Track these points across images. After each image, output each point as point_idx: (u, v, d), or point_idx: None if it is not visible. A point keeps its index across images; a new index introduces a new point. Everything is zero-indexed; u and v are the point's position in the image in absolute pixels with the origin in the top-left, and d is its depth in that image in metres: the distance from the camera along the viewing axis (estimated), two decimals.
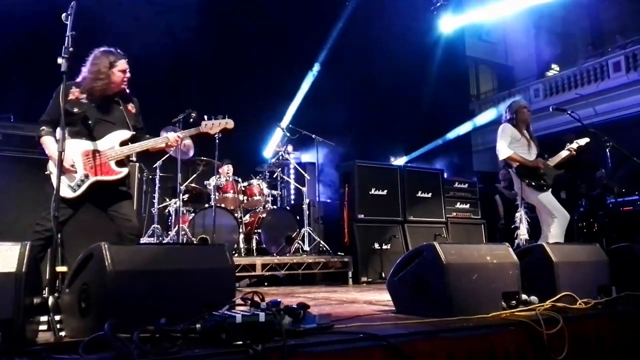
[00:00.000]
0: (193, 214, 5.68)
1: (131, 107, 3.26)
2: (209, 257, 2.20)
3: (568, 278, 2.69)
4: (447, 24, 11.90)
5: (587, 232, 8.72)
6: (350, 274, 5.58)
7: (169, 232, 5.71)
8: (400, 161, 9.72)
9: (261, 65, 8.25)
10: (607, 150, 5.01)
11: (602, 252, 3.07)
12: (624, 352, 2.35)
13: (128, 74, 3.16)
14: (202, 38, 7.67)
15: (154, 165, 6.00)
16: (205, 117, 3.45)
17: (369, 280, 5.64)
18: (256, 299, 1.99)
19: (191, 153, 5.72)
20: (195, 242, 5.25)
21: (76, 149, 3.01)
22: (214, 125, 3.47)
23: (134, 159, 5.50)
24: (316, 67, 9.25)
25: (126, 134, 3.15)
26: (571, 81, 14.74)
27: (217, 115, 3.52)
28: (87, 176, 3.00)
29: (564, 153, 4.71)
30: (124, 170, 3.12)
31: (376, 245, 5.87)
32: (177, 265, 2.04)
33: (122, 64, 3.11)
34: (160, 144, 3.23)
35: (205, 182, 6.11)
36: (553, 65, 18.87)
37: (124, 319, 1.59)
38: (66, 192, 2.92)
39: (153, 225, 5.83)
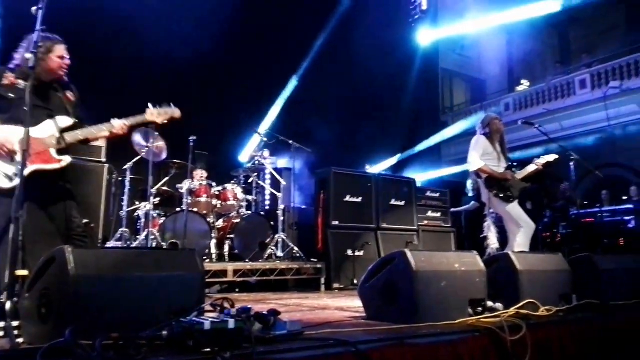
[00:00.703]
0: (164, 218, 5.60)
1: (70, 95, 3.12)
2: (178, 263, 2.17)
3: (532, 286, 2.77)
4: (424, 37, 12.12)
5: (551, 242, 8.96)
6: (323, 281, 5.59)
7: (138, 237, 5.61)
8: (375, 169, 9.82)
9: (241, 70, 8.24)
10: (571, 164, 5.19)
11: (564, 262, 3.16)
12: (583, 358, 2.43)
13: (67, 61, 3.02)
14: (180, 42, 7.62)
15: (124, 167, 5.91)
16: (150, 104, 3.32)
17: (342, 286, 5.66)
18: (226, 305, 1.99)
19: (164, 155, 5.67)
20: (165, 247, 5.18)
21: (12, 136, 2.78)
22: (160, 115, 3.32)
23: (104, 159, 5.46)
24: (296, 76, 9.29)
25: (67, 120, 2.99)
26: (540, 96, 15.16)
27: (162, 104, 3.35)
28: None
29: (531, 167, 4.85)
30: (66, 159, 2.94)
31: (349, 252, 5.90)
32: (144, 271, 2.00)
33: (60, 49, 2.97)
34: (104, 132, 3.07)
35: (177, 186, 6.04)
36: (523, 81, 19.38)
37: (86, 325, 1.55)
38: (2, 183, 2.73)
39: (121, 229, 5.72)
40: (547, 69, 17.65)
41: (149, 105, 3.26)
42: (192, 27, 7.87)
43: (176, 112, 3.36)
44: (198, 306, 1.99)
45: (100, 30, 7.10)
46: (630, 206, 8.95)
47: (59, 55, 2.98)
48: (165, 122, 3.35)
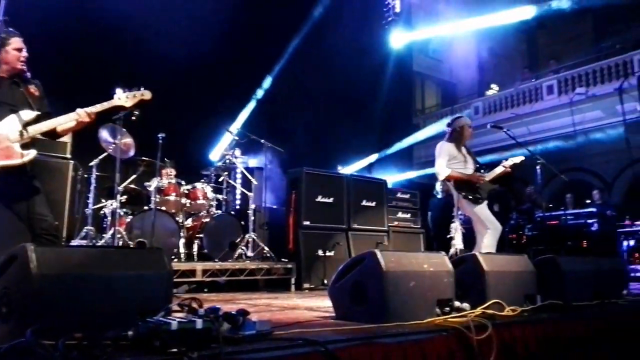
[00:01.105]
0: (131, 217, 5.50)
1: (34, 89, 3.04)
2: (145, 262, 2.12)
3: (498, 286, 2.82)
4: (398, 39, 12.24)
5: (517, 244, 9.19)
6: (293, 281, 5.58)
7: (104, 235, 5.49)
8: (347, 170, 9.85)
9: (213, 67, 8.15)
10: (538, 167, 5.32)
11: (529, 263, 3.23)
12: (546, 356, 2.49)
13: (25, 53, 2.94)
14: (151, 38, 7.49)
15: (90, 164, 5.78)
16: (118, 89, 3.24)
17: (312, 286, 5.66)
18: (194, 305, 1.96)
19: (132, 152, 5.56)
20: (131, 246, 5.08)
21: None
22: (128, 98, 3.22)
23: (69, 155, 5.31)
24: (270, 75, 9.23)
25: (30, 114, 2.91)
26: (508, 101, 15.50)
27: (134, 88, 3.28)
28: None
29: (499, 169, 4.94)
30: (31, 153, 2.87)
31: (320, 252, 5.91)
32: (110, 270, 1.95)
33: (16, 42, 2.90)
34: (70, 122, 2.98)
35: (145, 184, 5.93)
36: (492, 85, 19.77)
37: (49, 325, 1.51)
38: None
39: (86, 227, 5.59)
40: (515, 74, 18.05)
41: (117, 89, 3.19)
42: (165, 23, 7.74)
43: (146, 94, 3.27)
44: (165, 306, 1.95)
45: (71, 29, 6.91)
46: (594, 209, 9.24)
47: (16, 47, 2.90)
48: (135, 105, 3.26)
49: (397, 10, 12.00)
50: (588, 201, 10.36)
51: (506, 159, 5.03)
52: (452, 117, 5.26)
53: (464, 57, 18.85)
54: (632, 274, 7.19)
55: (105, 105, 3.14)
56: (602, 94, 12.99)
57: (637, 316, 3.18)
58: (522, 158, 5.02)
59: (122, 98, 3.18)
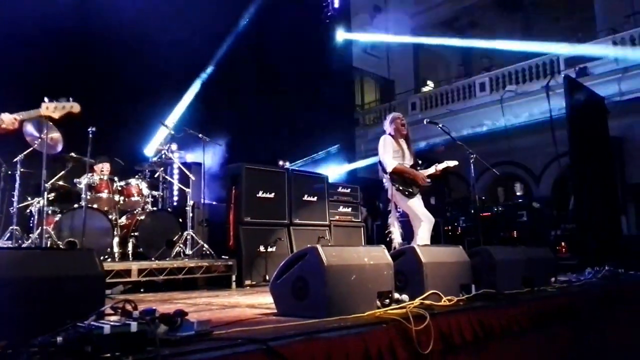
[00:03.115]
0: (60, 215, 5.22)
1: None
2: (75, 263, 2.03)
3: (435, 277, 2.90)
4: (338, 35, 12.31)
5: (452, 235, 9.55)
6: (234, 278, 5.50)
7: (31, 235, 5.16)
8: (288, 165, 9.81)
9: (149, 59, 7.83)
10: (471, 161, 5.53)
11: (464, 254, 3.35)
12: (479, 344, 2.59)
13: None
14: (82, 25, 7.11)
15: (14, 160, 5.41)
16: (46, 98, 3.09)
17: (253, 283, 5.61)
18: (128, 307, 1.87)
19: (59, 148, 5.26)
20: (61, 247, 4.82)
21: None
22: (56, 109, 3.10)
23: None
24: (210, 69, 8.99)
25: None
26: (444, 97, 16.03)
27: (60, 97, 3.15)
28: None
29: (431, 170, 5.13)
30: None
31: (261, 248, 5.86)
32: (37, 272, 1.85)
33: None
34: None
35: (75, 180, 5.63)
36: (429, 82, 20.38)
37: None
38: None
39: (11, 227, 5.22)
40: (450, 71, 18.68)
41: (45, 99, 3.03)
42: (96, 12, 7.37)
43: (75, 107, 3.14)
44: (97, 309, 1.86)
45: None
46: (523, 202, 9.76)
47: None
48: (63, 117, 3.13)
49: (336, 5, 12.05)
50: (518, 193, 10.93)
51: (439, 145, 5.22)
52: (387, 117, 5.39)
53: (401, 54, 19.31)
54: (559, 262, 7.65)
55: (31, 113, 3.00)
56: (531, 91, 13.69)
57: (565, 302, 3.37)
58: (456, 163, 5.22)
59: (50, 108, 3.03)
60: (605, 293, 3.79)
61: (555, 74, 13.12)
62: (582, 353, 3.43)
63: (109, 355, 1.51)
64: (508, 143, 14.06)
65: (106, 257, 5.15)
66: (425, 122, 6.01)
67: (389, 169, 4.85)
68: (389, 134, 5.06)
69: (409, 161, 5.04)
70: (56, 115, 3.08)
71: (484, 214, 9.49)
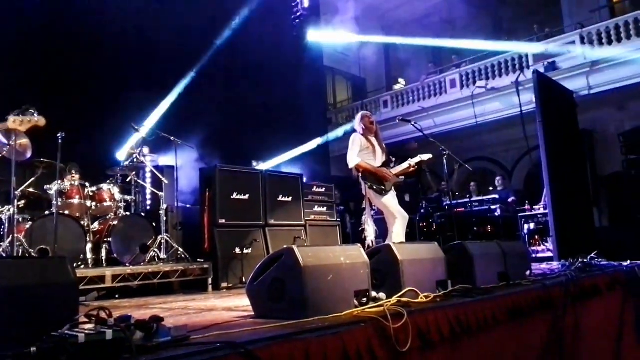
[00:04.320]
0: (30, 223, 5.09)
1: None
2: (48, 271, 1.99)
3: (412, 274, 2.92)
4: (309, 34, 12.30)
5: (427, 231, 9.66)
6: (210, 281, 5.45)
7: (1, 244, 5.02)
8: (262, 166, 9.76)
9: (119, 63, 7.69)
10: (444, 158, 5.62)
11: (439, 250, 3.37)
12: (456, 339, 2.63)
13: None
14: (52, 28, 6.93)
15: None
16: (12, 113, 3.05)
17: (230, 285, 5.57)
18: (103, 315, 1.84)
19: (29, 154, 5.13)
20: (33, 255, 4.71)
21: None
22: (23, 123, 3.08)
23: None
24: (180, 70, 8.86)
25: None
26: (415, 95, 16.18)
27: (24, 107, 3.12)
28: None
29: (405, 165, 5.18)
30: None
31: (237, 250, 5.82)
32: (9, 282, 1.81)
33: None
34: None
35: (45, 187, 5.51)
36: (400, 80, 20.54)
37: None
38: None
39: None
40: (421, 68, 18.86)
41: (10, 114, 2.98)
42: (69, 13, 7.19)
43: (40, 121, 3.12)
44: (71, 318, 1.83)
45: None
46: (496, 196, 9.92)
47: None
48: (30, 130, 3.09)
49: (306, 5, 12.04)
50: (491, 188, 11.12)
51: (413, 149, 5.28)
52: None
53: (372, 52, 19.40)
54: (533, 255, 7.82)
55: None
56: (501, 87, 13.93)
57: (540, 294, 3.44)
58: (430, 156, 5.28)
59: (17, 122, 2.99)
60: (579, 284, 3.88)
61: (525, 69, 13.38)
62: (558, 343, 3.52)
63: None
64: (479, 138, 14.30)
65: (79, 263, 5.05)
66: (397, 120, 6.07)
67: (350, 165, 4.92)
68: (359, 132, 5.11)
69: (380, 158, 5.09)
70: (22, 129, 3.05)
71: (458, 209, 9.63)
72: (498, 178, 10.84)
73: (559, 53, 12.95)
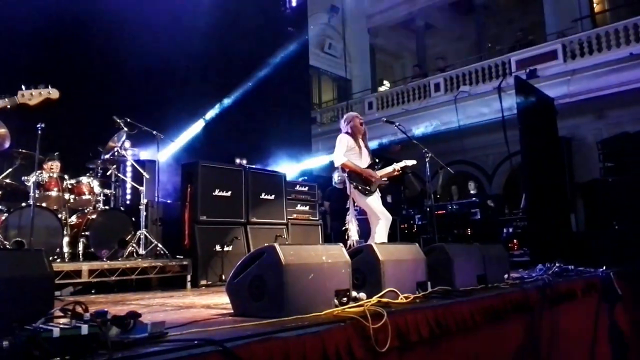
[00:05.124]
0: (6, 214, 4.98)
1: None
2: (23, 264, 1.96)
3: (392, 275, 2.93)
4: (295, 33, 12.29)
5: (408, 233, 9.73)
6: (189, 278, 5.40)
7: None
8: (245, 163, 9.70)
9: (100, 54, 7.56)
10: (427, 160, 5.66)
11: (420, 251, 3.39)
12: (435, 340, 2.65)
13: None
14: (35, 18, 6.77)
15: None
16: (23, 86, 2.96)
17: (209, 283, 5.53)
18: (78, 309, 1.81)
19: (7, 144, 5.02)
20: (8, 247, 4.61)
21: None
22: (33, 96, 2.98)
23: None
24: (167, 66, 8.75)
25: None
26: (400, 97, 16.28)
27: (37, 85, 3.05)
28: None
29: (390, 169, 5.22)
30: None
31: (218, 248, 5.78)
32: None
33: None
34: None
35: (23, 178, 5.40)
36: (385, 82, 20.64)
37: None
38: None
39: None
40: (406, 71, 18.98)
41: (22, 86, 2.90)
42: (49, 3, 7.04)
43: (53, 93, 3.04)
44: (46, 312, 1.79)
45: None
46: (476, 199, 10.04)
47: None
48: (39, 104, 3.00)
49: (294, 4, 12.03)
50: (472, 192, 11.24)
51: (395, 152, 5.33)
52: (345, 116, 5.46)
53: (358, 54, 19.48)
54: (512, 259, 7.92)
55: (6, 102, 2.85)
56: (483, 92, 14.09)
57: (518, 297, 3.48)
58: (414, 162, 5.34)
59: (27, 95, 2.90)
60: (555, 288, 3.94)
61: (507, 75, 13.56)
62: (534, 345, 3.57)
63: (58, 359, 1.46)
64: (461, 142, 14.43)
65: (55, 257, 4.95)
66: (383, 121, 6.09)
67: (337, 164, 4.94)
68: (346, 133, 5.12)
69: (366, 160, 5.11)
70: (32, 103, 2.95)
71: (438, 211, 9.71)
72: (471, 183, 10.98)
73: (541, 60, 13.16)
